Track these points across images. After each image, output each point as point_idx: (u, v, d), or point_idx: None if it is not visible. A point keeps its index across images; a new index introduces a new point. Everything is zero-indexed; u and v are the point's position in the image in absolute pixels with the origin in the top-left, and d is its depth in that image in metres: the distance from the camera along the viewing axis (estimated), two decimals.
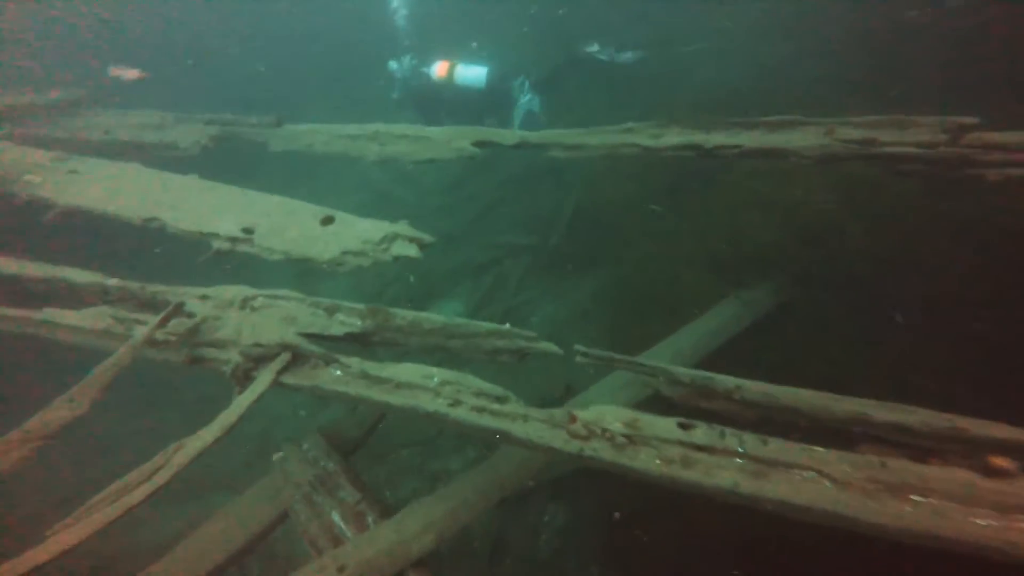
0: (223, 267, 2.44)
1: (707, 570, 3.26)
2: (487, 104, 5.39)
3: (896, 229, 3.00)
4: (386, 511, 2.36)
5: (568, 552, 3.96)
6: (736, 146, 2.19)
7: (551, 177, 6.22)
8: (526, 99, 5.33)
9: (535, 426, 1.75)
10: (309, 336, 2.16)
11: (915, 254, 2.94)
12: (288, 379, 2.08)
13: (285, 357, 2.11)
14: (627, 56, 5.71)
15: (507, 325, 2.15)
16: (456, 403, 1.86)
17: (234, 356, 2.10)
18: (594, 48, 5.70)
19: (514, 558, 4.11)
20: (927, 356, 2.87)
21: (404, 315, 2.19)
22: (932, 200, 2.81)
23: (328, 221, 2.45)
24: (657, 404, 2.86)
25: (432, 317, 2.16)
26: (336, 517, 2.40)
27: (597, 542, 3.88)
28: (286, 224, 2.44)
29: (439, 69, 5.24)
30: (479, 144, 2.76)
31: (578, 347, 1.99)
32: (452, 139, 2.80)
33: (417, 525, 2.17)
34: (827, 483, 1.43)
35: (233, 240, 2.43)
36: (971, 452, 1.43)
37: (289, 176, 7.42)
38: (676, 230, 4.21)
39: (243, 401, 1.98)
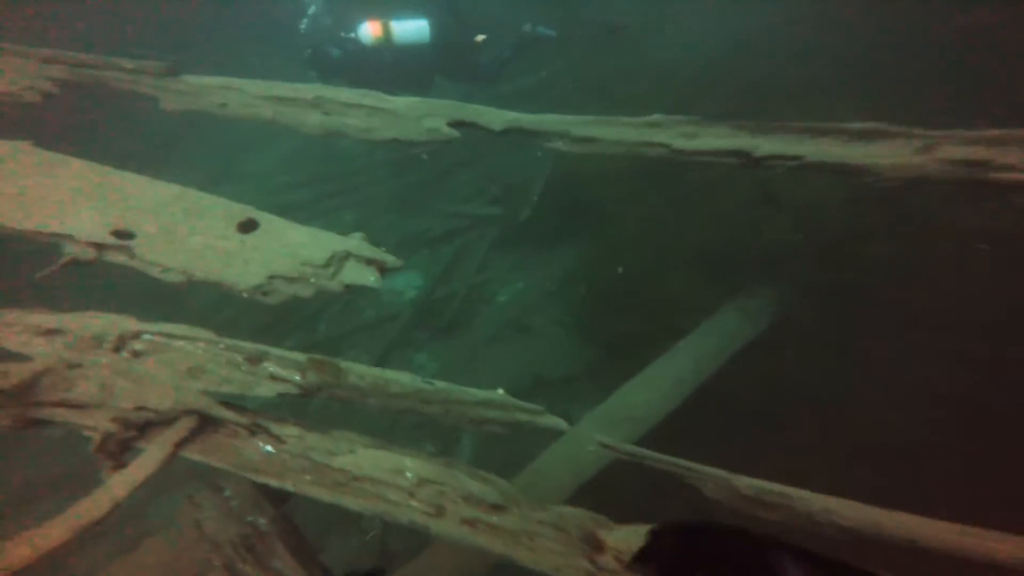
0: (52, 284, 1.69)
1: None
2: (437, 61, 4.65)
3: (925, 243, 2.70)
4: None
5: None
6: (795, 157, 1.72)
7: (522, 139, 5.55)
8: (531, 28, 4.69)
9: (547, 552, 1.32)
10: (222, 395, 1.58)
11: (943, 271, 2.67)
12: (193, 453, 1.52)
13: (188, 422, 1.53)
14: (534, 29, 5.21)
15: (500, 390, 1.66)
16: (439, 511, 1.39)
17: (102, 422, 1.49)
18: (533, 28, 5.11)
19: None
20: (937, 382, 2.67)
21: (363, 372, 1.64)
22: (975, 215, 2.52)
23: (249, 227, 1.79)
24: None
25: (402, 378, 1.63)
26: None
27: None
28: (185, 227, 1.76)
29: (371, 30, 4.38)
30: (457, 124, 2.13)
31: (599, 438, 1.54)
32: (423, 115, 2.14)
33: None
34: None
35: (99, 247, 1.72)
36: None
37: (171, 139, 6.26)
38: (667, 217, 3.77)
39: (118, 487, 1.40)
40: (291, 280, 1.69)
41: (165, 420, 1.54)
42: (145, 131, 6.20)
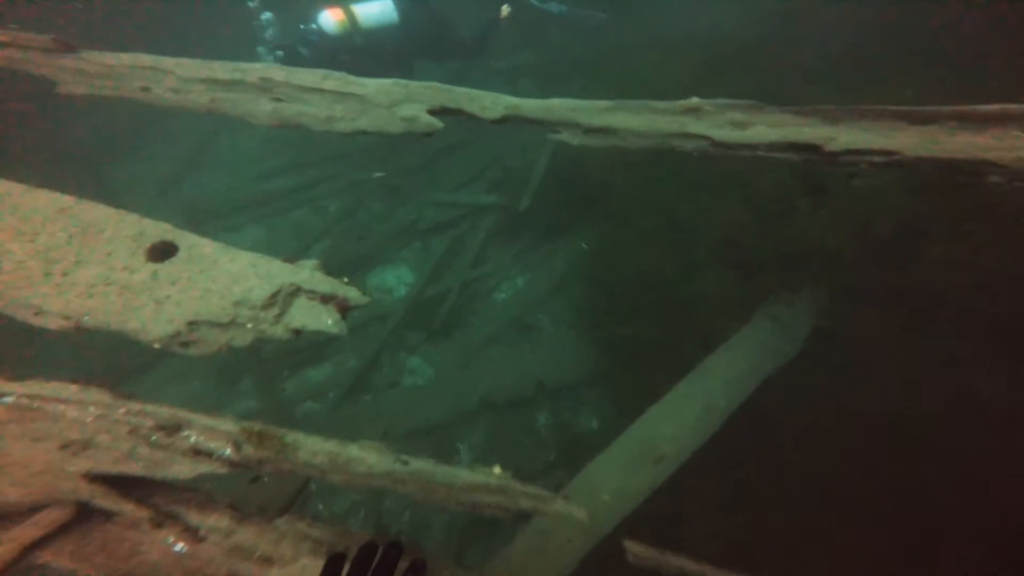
0: None
1: None
2: (412, 42, 4.27)
3: (998, 240, 2.29)
4: None
5: None
6: (885, 152, 1.29)
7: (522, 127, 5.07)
8: None
9: None
10: (116, 478, 1.20)
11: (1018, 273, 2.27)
12: (60, 558, 1.16)
13: (53, 516, 1.16)
14: (555, 7, 4.98)
15: (497, 468, 1.28)
16: None
17: None
18: None
19: None
20: (1010, 399, 2.30)
21: (316, 448, 1.25)
22: None
23: (164, 253, 1.38)
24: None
25: (368, 456, 1.25)
26: None
27: None
28: (73, 254, 1.35)
29: (332, 17, 4.03)
30: (441, 112, 1.69)
31: (629, 544, 1.16)
32: (398, 101, 1.71)
33: None
34: None
35: None
36: None
37: (136, 123, 5.63)
38: (688, 206, 3.33)
39: None
40: (221, 326, 1.28)
41: (17, 512, 1.16)
42: (106, 114, 5.67)
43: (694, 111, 1.49)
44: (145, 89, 1.77)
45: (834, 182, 2.56)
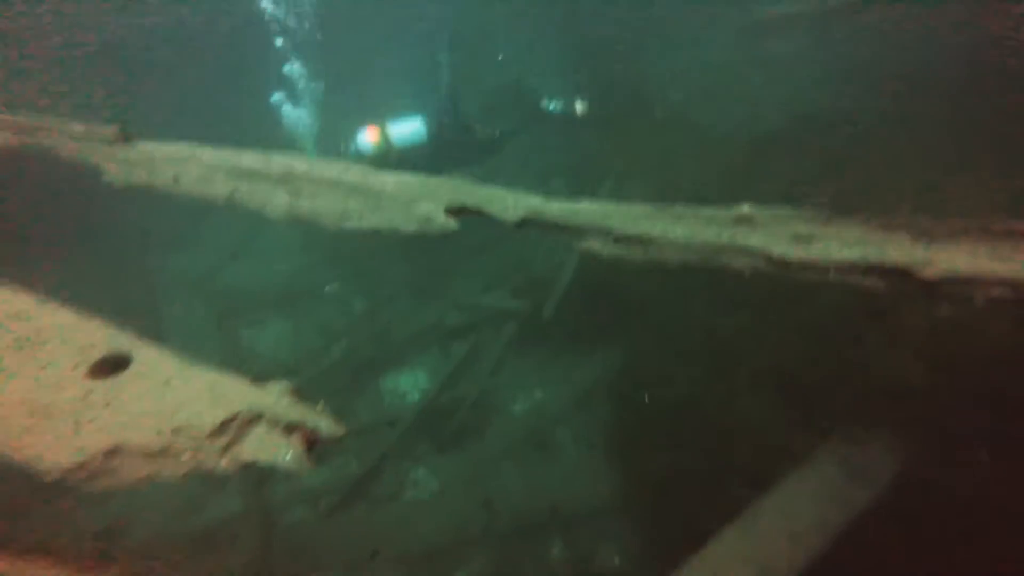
0: None
1: None
2: (438, 157, 4.43)
3: None
4: None
5: None
6: (1012, 282, 1.02)
7: (546, 234, 5.06)
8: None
9: None
10: None
11: None
12: None
13: None
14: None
15: None
16: None
17: None
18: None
19: None
20: None
21: None
22: None
23: (113, 366, 1.16)
24: None
25: None
26: None
27: None
28: (3, 366, 1.14)
29: (369, 138, 4.34)
30: (458, 212, 1.54)
31: None
32: (414, 198, 1.57)
33: None
34: None
35: None
36: None
37: (197, 213, 5.78)
38: (730, 325, 3.03)
39: None
40: (147, 456, 1.02)
41: None
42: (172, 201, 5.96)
43: (746, 221, 1.27)
44: (176, 179, 1.70)
45: (905, 310, 2.25)
